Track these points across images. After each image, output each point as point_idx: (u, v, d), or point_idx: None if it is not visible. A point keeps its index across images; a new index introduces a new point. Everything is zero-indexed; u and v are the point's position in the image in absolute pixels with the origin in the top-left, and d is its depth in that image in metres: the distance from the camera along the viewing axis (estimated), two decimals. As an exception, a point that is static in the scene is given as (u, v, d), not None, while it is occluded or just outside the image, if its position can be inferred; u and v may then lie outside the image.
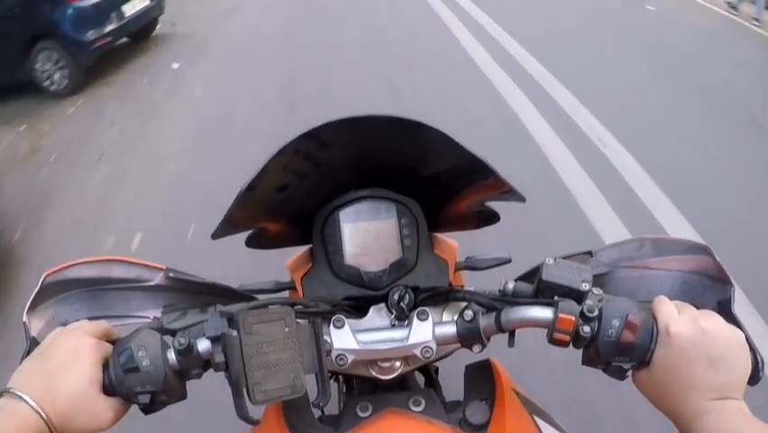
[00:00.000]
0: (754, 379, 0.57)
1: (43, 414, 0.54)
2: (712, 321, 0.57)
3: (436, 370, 1.02)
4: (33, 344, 0.63)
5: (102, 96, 5.50)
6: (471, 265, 0.88)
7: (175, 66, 5.92)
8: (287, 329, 0.61)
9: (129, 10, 5.92)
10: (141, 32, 6.61)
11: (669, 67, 4.76)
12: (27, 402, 0.53)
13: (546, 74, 4.67)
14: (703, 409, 0.53)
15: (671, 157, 3.42)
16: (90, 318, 0.68)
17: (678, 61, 4.88)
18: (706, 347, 0.55)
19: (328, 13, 7.05)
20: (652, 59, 4.95)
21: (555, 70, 4.69)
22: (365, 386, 0.84)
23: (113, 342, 0.62)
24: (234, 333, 0.59)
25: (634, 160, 3.39)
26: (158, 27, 7.00)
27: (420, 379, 0.93)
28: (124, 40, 6.40)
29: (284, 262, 0.88)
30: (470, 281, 0.88)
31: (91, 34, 5.50)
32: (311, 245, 0.80)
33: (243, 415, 0.59)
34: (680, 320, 0.57)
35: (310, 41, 6.05)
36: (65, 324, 0.64)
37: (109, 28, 5.68)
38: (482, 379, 0.79)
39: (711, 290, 0.67)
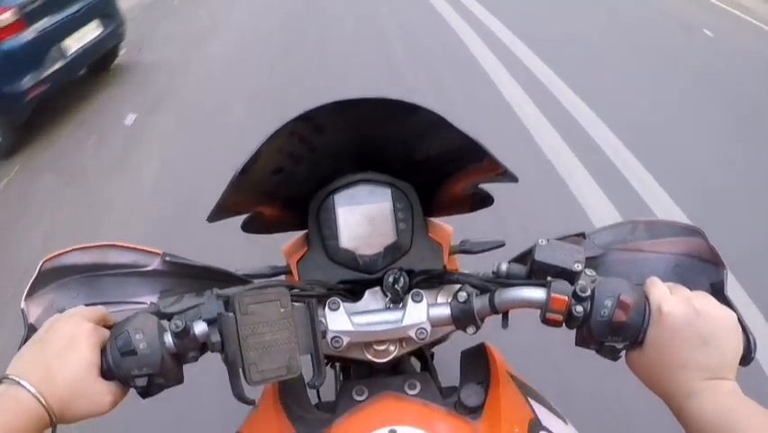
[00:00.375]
0: (746, 359, 0.58)
1: (42, 400, 0.54)
2: (705, 301, 0.58)
3: (432, 355, 1.02)
4: (31, 330, 0.64)
5: (37, 165, 4.04)
6: (466, 249, 0.89)
7: (130, 119, 4.49)
8: (282, 310, 0.61)
9: (74, 45, 4.51)
10: (99, 63, 5.28)
11: (740, 108, 3.88)
12: (26, 388, 0.54)
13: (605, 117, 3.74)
14: (696, 389, 0.54)
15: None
16: (87, 304, 0.68)
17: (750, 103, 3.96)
18: (698, 327, 0.55)
19: (322, 41, 5.72)
20: (721, 98, 4.02)
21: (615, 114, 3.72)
22: (361, 371, 0.84)
23: (110, 327, 0.63)
24: (230, 314, 0.59)
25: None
26: (122, 53, 5.67)
27: (416, 364, 0.94)
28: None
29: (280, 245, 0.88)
30: (465, 265, 0.88)
31: (25, 82, 4.04)
32: (306, 230, 0.80)
33: (240, 395, 0.59)
34: (672, 300, 0.57)
35: (301, 78, 4.75)
36: (62, 310, 0.65)
37: (48, 71, 4.22)
38: (477, 363, 0.80)
39: (704, 272, 0.68)
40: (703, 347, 0.55)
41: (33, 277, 0.67)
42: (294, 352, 0.61)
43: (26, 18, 4.09)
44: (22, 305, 0.66)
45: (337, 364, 1.01)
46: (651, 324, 0.57)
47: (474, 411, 0.69)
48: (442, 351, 1.02)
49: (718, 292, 0.64)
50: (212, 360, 0.65)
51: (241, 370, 0.59)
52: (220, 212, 0.71)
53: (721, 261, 0.66)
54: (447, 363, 1.00)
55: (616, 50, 5.06)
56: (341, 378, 1.02)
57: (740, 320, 0.58)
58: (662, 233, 0.71)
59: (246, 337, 0.59)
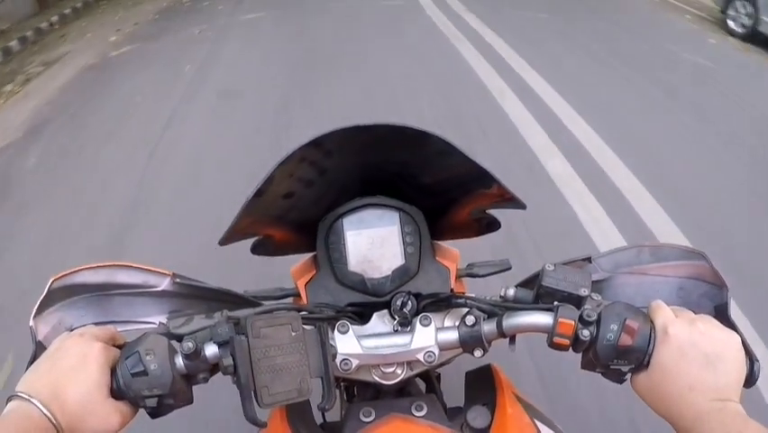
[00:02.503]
0: (749, 381, 0.59)
1: (52, 418, 0.54)
2: (709, 324, 0.59)
3: (438, 377, 1.02)
4: (40, 348, 0.64)
5: None
6: (472, 272, 0.89)
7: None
8: (293, 334, 0.62)
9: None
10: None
11: None
12: (37, 406, 0.54)
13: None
14: (702, 410, 0.54)
15: None
16: (96, 324, 0.68)
17: None
18: (703, 348, 0.56)
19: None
20: None
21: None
22: (367, 392, 0.85)
23: (119, 346, 0.63)
24: (243, 337, 0.60)
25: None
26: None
27: (422, 386, 0.94)
28: None
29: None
30: (472, 289, 0.89)
31: None
32: (315, 253, 0.81)
33: (251, 418, 0.60)
34: (677, 322, 0.58)
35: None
36: (71, 329, 0.65)
37: None
38: (483, 384, 0.80)
39: (708, 295, 0.69)
40: (709, 368, 0.55)
41: (42, 295, 0.68)
42: (305, 375, 0.61)
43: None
44: (31, 323, 0.66)
45: (342, 385, 1.01)
46: (656, 346, 0.58)
47: None
48: (447, 370, 1.02)
49: (722, 315, 0.64)
50: (219, 381, 0.65)
51: (252, 393, 0.59)
52: (231, 235, 0.72)
53: (724, 283, 0.67)
54: (452, 383, 1.00)
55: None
56: (345, 399, 1.02)
57: (744, 343, 0.59)
58: (667, 256, 0.72)
59: (258, 360, 0.60)
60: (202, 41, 6.17)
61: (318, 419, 0.84)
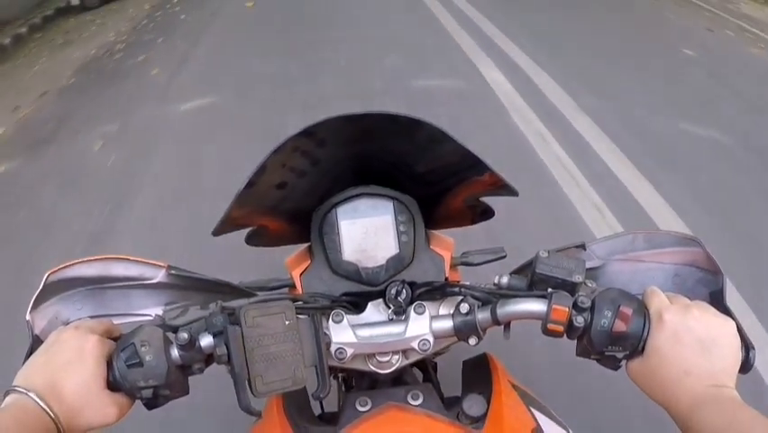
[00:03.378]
0: (745, 367, 0.59)
1: (50, 411, 0.54)
2: (703, 310, 0.59)
3: (435, 366, 1.03)
4: (36, 342, 0.64)
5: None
6: (467, 261, 0.89)
7: None
8: (287, 323, 0.62)
9: None
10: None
11: None
12: (34, 399, 0.54)
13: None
14: (698, 395, 0.54)
15: None
16: (92, 317, 0.69)
17: None
18: (698, 333, 0.56)
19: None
20: None
21: None
22: (363, 382, 0.85)
23: (115, 339, 0.63)
24: (236, 327, 0.60)
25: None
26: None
27: (419, 376, 0.94)
28: None
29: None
30: (466, 277, 0.89)
31: None
32: (309, 243, 0.81)
33: (246, 407, 0.60)
34: (672, 308, 0.59)
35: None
36: (67, 322, 0.65)
37: None
38: (479, 373, 0.81)
39: (703, 282, 0.69)
40: (704, 353, 0.56)
41: (39, 289, 0.68)
42: (299, 364, 0.61)
43: None
44: (28, 317, 0.67)
45: (339, 375, 1.01)
46: (651, 332, 0.58)
47: (477, 421, 0.70)
48: (443, 360, 1.02)
49: (717, 301, 0.65)
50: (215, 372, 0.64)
51: (247, 382, 0.59)
52: (225, 226, 0.72)
53: (719, 270, 0.67)
54: (449, 373, 1.01)
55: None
56: (343, 389, 1.03)
57: (739, 328, 0.59)
58: (661, 243, 0.72)
59: (252, 350, 0.60)
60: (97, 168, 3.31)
61: (316, 409, 0.84)
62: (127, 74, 4.87)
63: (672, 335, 0.57)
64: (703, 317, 0.58)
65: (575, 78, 3.93)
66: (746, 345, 0.60)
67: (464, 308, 0.68)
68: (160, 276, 0.73)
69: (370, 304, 0.75)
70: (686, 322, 0.57)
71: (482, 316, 0.67)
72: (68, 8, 7.43)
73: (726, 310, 0.62)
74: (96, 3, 7.48)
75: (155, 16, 6.60)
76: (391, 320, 0.72)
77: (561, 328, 0.62)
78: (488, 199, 0.81)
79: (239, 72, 4.47)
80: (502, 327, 0.69)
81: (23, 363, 0.60)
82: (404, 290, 0.71)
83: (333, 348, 0.68)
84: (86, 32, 6.49)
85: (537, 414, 0.73)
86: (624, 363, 0.62)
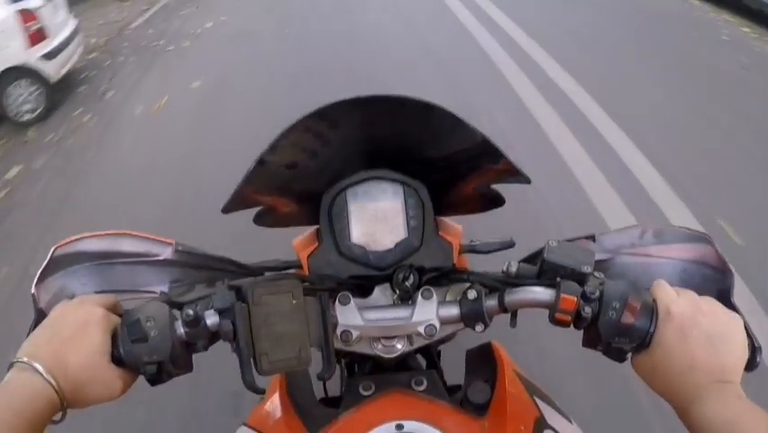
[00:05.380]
0: (751, 365, 0.59)
1: (55, 384, 0.54)
2: (712, 305, 0.59)
3: (438, 354, 1.03)
4: (41, 315, 0.64)
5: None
6: (475, 248, 0.89)
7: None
8: (294, 302, 0.62)
9: None
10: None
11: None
12: (39, 372, 0.54)
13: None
14: (702, 391, 0.54)
15: None
16: (97, 292, 0.69)
17: None
18: (705, 327, 0.56)
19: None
20: None
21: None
22: (367, 367, 0.85)
23: (120, 315, 0.63)
24: (243, 304, 0.60)
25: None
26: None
27: (422, 362, 0.94)
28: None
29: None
30: (474, 265, 0.89)
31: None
32: (317, 225, 0.81)
33: (250, 384, 0.60)
34: (679, 301, 0.58)
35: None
36: (72, 297, 0.65)
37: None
38: (483, 361, 0.81)
39: (711, 279, 0.68)
40: (711, 348, 0.55)
41: (45, 263, 0.68)
42: (305, 343, 0.61)
43: None
44: (33, 290, 0.67)
45: (342, 360, 1.01)
46: (659, 325, 0.58)
47: (480, 408, 0.70)
48: (447, 351, 1.02)
49: (725, 299, 0.64)
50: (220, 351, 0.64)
51: (252, 359, 0.59)
52: (234, 203, 0.71)
53: (728, 268, 0.67)
54: (452, 364, 1.01)
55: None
56: (346, 374, 1.03)
57: (746, 326, 0.59)
58: (671, 239, 0.71)
59: (258, 327, 0.60)
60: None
61: (318, 394, 0.84)
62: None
63: (679, 329, 0.56)
64: (711, 312, 0.57)
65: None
66: (753, 344, 0.59)
67: (472, 294, 0.67)
68: (166, 253, 0.73)
69: (376, 288, 0.75)
70: (694, 316, 0.57)
71: (490, 303, 0.67)
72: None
73: (733, 309, 0.61)
74: None
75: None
76: (398, 305, 0.71)
77: (568, 318, 0.62)
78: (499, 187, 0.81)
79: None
80: (509, 315, 0.68)
81: (27, 335, 0.60)
82: (411, 275, 0.71)
83: (339, 330, 0.67)
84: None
85: (541, 404, 0.73)
86: (629, 355, 0.62)
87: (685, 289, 0.61)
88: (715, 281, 0.68)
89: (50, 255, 0.69)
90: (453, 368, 0.95)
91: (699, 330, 0.56)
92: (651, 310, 0.59)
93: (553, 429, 0.68)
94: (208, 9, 7.64)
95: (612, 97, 3.94)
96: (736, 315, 0.59)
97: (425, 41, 5.45)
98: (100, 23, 7.60)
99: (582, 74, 4.33)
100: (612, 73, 4.44)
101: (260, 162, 0.66)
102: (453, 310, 0.68)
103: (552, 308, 0.62)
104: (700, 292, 0.61)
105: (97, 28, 7.33)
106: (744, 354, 0.57)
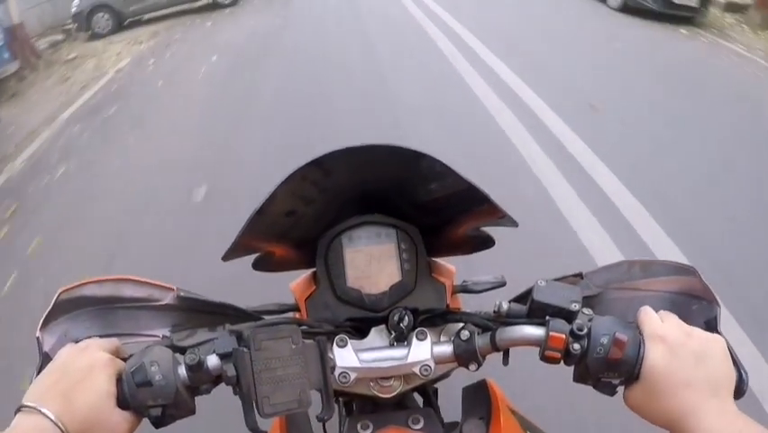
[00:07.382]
0: (739, 392, 0.60)
1: (63, 428, 0.55)
2: (695, 328, 0.61)
3: (435, 392, 1.03)
4: (46, 359, 0.65)
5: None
6: (468, 288, 0.91)
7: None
8: (294, 346, 0.64)
9: None
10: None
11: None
12: (47, 416, 0.55)
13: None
14: (699, 408, 0.55)
15: None
16: (100, 336, 0.70)
17: None
18: (691, 347, 0.58)
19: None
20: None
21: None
22: (365, 406, 0.86)
23: (123, 359, 0.64)
24: (245, 349, 0.62)
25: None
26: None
27: (419, 401, 0.95)
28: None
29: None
30: (467, 305, 0.91)
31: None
32: (314, 269, 0.83)
33: (252, 427, 0.61)
34: (664, 325, 0.61)
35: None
36: (76, 341, 0.66)
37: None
38: (479, 398, 0.82)
39: (698, 310, 0.70)
40: (700, 365, 0.57)
41: (50, 307, 0.69)
42: (305, 386, 0.63)
43: None
44: (38, 334, 0.68)
45: (341, 400, 1.02)
46: (647, 351, 0.60)
47: None
48: (444, 387, 1.03)
49: (712, 328, 0.66)
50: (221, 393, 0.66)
51: (254, 403, 0.61)
52: (234, 251, 0.74)
53: (714, 298, 0.69)
54: (449, 400, 1.01)
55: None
56: (344, 413, 1.03)
57: (732, 354, 0.61)
58: (657, 272, 0.74)
59: (260, 372, 0.61)
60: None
61: None
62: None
63: (668, 350, 0.59)
64: (694, 332, 0.60)
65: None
66: (739, 370, 0.61)
67: (465, 334, 0.69)
68: (168, 298, 0.74)
69: (372, 329, 0.76)
70: (679, 338, 0.59)
71: (482, 342, 0.69)
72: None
73: None
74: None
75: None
76: (393, 346, 0.73)
77: (558, 355, 0.63)
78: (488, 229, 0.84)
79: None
80: (501, 353, 0.70)
81: (32, 380, 0.61)
82: (406, 317, 0.73)
83: (337, 372, 0.69)
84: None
85: None
86: (620, 389, 0.63)
87: (668, 313, 0.64)
88: (701, 312, 0.70)
89: (54, 300, 0.70)
90: (450, 405, 0.96)
91: (687, 349, 0.58)
92: (638, 345, 0.60)
93: None
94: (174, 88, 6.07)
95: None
96: (719, 336, 0.61)
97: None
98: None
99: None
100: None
101: (259, 212, 0.69)
102: (447, 350, 0.70)
103: (542, 345, 0.64)
104: (688, 322, 0.63)
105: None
106: (732, 372, 0.59)
